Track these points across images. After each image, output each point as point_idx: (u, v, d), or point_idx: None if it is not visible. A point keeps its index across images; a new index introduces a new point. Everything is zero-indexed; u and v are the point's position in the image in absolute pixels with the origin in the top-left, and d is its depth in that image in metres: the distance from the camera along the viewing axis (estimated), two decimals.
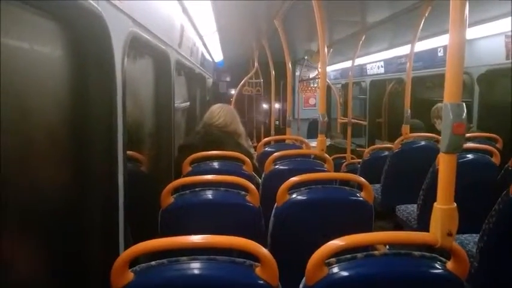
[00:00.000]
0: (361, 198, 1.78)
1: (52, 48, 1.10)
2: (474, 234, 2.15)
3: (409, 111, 3.48)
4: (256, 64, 6.31)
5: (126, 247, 1.31)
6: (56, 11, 1.03)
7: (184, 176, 2.23)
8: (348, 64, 6.32)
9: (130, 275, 1.04)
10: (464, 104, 1.10)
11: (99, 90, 1.22)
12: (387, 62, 5.78)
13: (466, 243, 2.20)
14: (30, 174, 1.02)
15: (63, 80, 1.16)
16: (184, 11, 2.93)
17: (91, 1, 1.05)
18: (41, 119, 1.07)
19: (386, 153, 3.64)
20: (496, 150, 2.60)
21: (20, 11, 0.92)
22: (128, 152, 1.49)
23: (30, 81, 1.00)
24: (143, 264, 1.08)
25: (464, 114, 1.10)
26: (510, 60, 3.24)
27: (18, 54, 0.95)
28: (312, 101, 8.86)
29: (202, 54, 4.99)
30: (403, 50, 4.82)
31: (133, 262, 1.08)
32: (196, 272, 1.08)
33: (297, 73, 8.05)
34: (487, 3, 2.79)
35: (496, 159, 2.57)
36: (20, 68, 0.95)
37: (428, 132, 3.62)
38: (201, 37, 4.40)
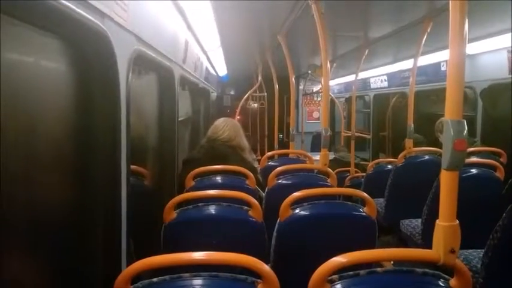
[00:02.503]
0: (364, 214, 1.77)
1: (58, 66, 1.13)
2: (479, 250, 2.13)
3: (412, 125, 3.48)
4: (260, 78, 6.36)
5: (129, 263, 1.31)
6: (61, 30, 1.05)
7: (187, 191, 2.23)
8: (351, 78, 6.35)
9: None
10: (465, 120, 1.10)
11: (104, 107, 1.25)
12: (390, 76, 5.80)
13: (471, 259, 2.17)
14: (34, 187, 1.04)
15: (69, 97, 1.18)
16: (189, 27, 2.98)
17: (96, 21, 1.08)
18: (47, 134, 1.09)
19: (390, 167, 3.63)
20: (499, 165, 2.59)
21: (27, 32, 0.94)
22: (132, 167, 1.50)
23: (38, 97, 1.03)
24: (145, 281, 1.08)
25: (465, 131, 1.10)
26: None
27: (26, 72, 0.97)
28: (315, 115, 8.87)
29: (207, 68, 5.05)
30: (407, 64, 4.84)
31: (136, 278, 1.08)
32: None
33: (301, 87, 8.09)
34: (489, 19, 2.81)
35: (500, 174, 2.55)
36: (28, 85, 0.98)
37: (431, 147, 3.61)
38: (205, 52, 4.45)
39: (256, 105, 7.48)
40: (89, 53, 1.16)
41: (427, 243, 2.38)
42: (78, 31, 1.06)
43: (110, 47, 1.18)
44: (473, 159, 2.79)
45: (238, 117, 8.10)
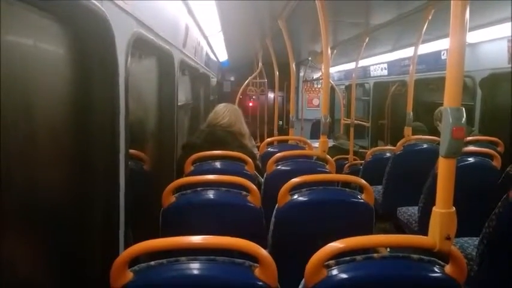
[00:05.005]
0: (362, 200, 1.79)
1: (56, 48, 1.11)
2: (474, 238, 2.15)
3: (411, 113, 3.48)
4: (260, 64, 6.31)
5: (126, 246, 1.32)
6: (60, 11, 1.04)
7: (186, 176, 2.24)
8: (351, 65, 6.32)
9: (129, 275, 1.05)
10: (463, 108, 1.10)
11: (102, 90, 1.24)
12: (391, 64, 5.77)
13: (466, 247, 2.20)
14: (31, 172, 1.03)
15: (67, 80, 1.17)
16: (189, 11, 2.95)
17: (95, 1, 1.07)
18: (44, 118, 1.08)
19: (388, 155, 3.64)
20: (497, 154, 2.60)
21: (24, 12, 0.93)
22: (130, 151, 1.50)
23: (35, 80, 1.02)
24: (143, 264, 1.09)
25: (464, 119, 1.10)
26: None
27: (22, 54, 0.96)
28: (315, 102, 8.85)
29: (207, 53, 5.01)
30: (407, 52, 4.81)
31: (133, 262, 1.09)
32: (195, 272, 1.09)
33: (301, 73, 8.05)
34: (490, 7, 2.78)
35: (497, 163, 2.56)
36: (25, 68, 0.97)
37: (431, 135, 3.62)
38: (205, 37, 4.41)
39: (256, 90, 7.45)
40: (87, 35, 1.15)
41: (423, 230, 2.40)
42: (76, 12, 1.05)
43: (108, 28, 1.16)
44: (471, 148, 2.80)
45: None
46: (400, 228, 3.15)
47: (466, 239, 2.27)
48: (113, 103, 1.27)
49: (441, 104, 3.81)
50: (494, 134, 3.25)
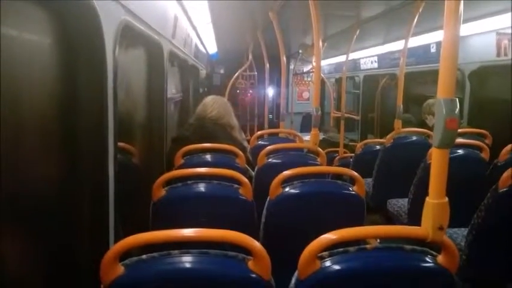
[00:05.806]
0: (353, 192, 1.79)
1: (40, 36, 1.07)
2: (463, 228, 2.18)
3: (401, 106, 3.49)
4: (250, 57, 6.28)
5: (117, 240, 1.30)
6: None
7: (176, 169, 2.21)
8: (342, 58, 6.32)
9: (120, 269, 1.03)
10: (457, 99, 1.10)
11: (89, 80, 1.20)
12: (381, 57, 5.79)
13: (455, 237, 2.23)
14: (17, 165, 1.00)
15: (52, 69, 1.13)
16: (178, 1, 2.90)
17: None
18: (29, 110, 1.05)
19: (378, 147, 3.66)
20: (485, 146, 2.63)
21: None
22: (119, 144, 1.47)
23: (18, 70, 0.98)
24: (134, 258, 1.06)
25: (457, 110, 1.10)
26: (501, 58, 3.26)
27: (4, 42, 0.92)
28: (305, 95, 8.85)
29: (196, 45, 4.95)
30: (397, 45, 4.83)
31: (124, 256, 1.07)
32: (187, 265, 1.07)
33: (291, 66, 8.04)
34: (479, 0, 2.80)
35: (485, 155, 2.59)
36: (7, 57, 0.92)
37: (419, 127, 3.64)
38: (194, 28, 4.36)
39: (245, 83, 7.42)
40: (73, 22, 1.10)
41: (412, 221, 2.42)
42: None
43: (95, 15, 1.12)
44: (460, 140, 2.83)
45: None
46: (390, 220, 3.17)
47: (455, 229, 2.30)
48: (101, 94, 1.23)
49: (430, 97, 3.84)
50: (483, 126, 3.29)
